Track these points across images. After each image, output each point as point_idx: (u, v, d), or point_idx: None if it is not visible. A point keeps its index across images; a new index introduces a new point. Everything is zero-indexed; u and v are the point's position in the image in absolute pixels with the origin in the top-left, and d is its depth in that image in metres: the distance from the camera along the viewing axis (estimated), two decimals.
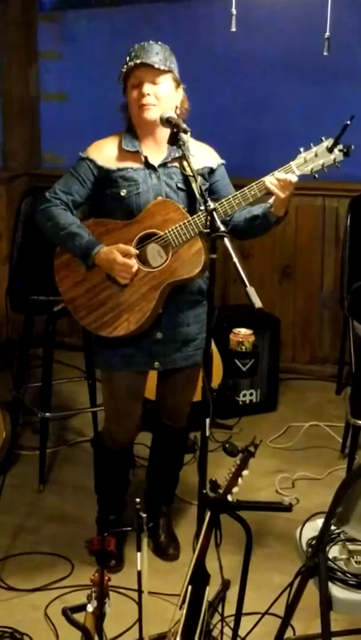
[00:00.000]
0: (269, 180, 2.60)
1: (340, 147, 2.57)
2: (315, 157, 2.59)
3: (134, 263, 2.72)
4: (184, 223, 2.65)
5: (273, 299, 4.81)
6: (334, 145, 2.56)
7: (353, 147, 2.57)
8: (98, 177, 2.81)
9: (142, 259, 2.75)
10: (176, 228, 2.66)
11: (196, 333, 2.90)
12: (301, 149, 2.60)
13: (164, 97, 2.72)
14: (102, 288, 2.80)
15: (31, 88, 5.21)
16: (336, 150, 2.57)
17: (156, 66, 2.67)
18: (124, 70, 2.71)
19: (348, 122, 2.48)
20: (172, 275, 2.71)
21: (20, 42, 5.10)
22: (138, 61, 2.68)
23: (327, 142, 2.58)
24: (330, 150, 2.57)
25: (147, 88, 2.70)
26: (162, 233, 2.69)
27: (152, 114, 2.71)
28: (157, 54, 2.69)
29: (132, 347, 2.83)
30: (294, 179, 2.59)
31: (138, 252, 2.73)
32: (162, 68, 2.68)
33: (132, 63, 2.69)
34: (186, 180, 2.77)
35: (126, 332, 2.77)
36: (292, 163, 2.61)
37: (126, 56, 2.73)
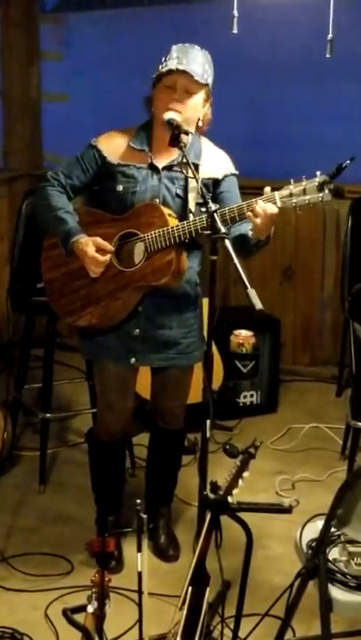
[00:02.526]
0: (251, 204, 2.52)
1: (332, 186, 2.43)
2: (302, 193, 2.47)
3: (105, 260, 2.74)
4: (163, 230, 2.65)
5: (274, 300, 4.81)
6: (326, 184, 2.43)
7: (345, 189, 2.45)
8: (100, 167, 2.83)
9: (123, 255, 2.77)
10: (155, 233, 2.66)
11: (181, 338, 2.90)
12: (292, 180, 2.48)
13: (190, 108, 2.70)
14: (78, 276, 2.84)
15: (32, 88, 5.22)
16: (326, 189, 2.44)
17: (196, 78, 2.65)
18: (163, 70, 2.66)
19: (347, 162, 2.37)
20: (141, 279, 2.74)
21: (21, 42, 5.10)
22: (181, 67, 2.64)
23: (319, 179, 2.44)
24: (320, 188, 2.45)
25: (178, 94, 2.68)
26: (142, 235, 2.70)
27: (173, 115, 2.66)
28: (200, 65, 2.67)
29: (111, 338, 2.86)
30: (274, 210, 2.50)
31: (114, 249, 2.75)
32: (201, 82, 2.66)
33: (174, 66, 2.65)
34: (187, 188, 2.76)
35: (88, 324, 2.84)
36: (276, 193, 2.50)
37: (166, 53, 2.69)
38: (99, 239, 2.75)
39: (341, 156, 2.46)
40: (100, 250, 2.74)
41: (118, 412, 2.99)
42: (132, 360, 2.88)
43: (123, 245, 2.77)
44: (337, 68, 4.16)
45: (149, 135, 2.82)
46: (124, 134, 2.85)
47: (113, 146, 2.82)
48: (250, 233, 2.65)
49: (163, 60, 2.70)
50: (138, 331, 2.84)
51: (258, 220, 2.51)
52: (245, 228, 2.69)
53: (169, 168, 2.79)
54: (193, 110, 2.72)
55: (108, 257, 2.75)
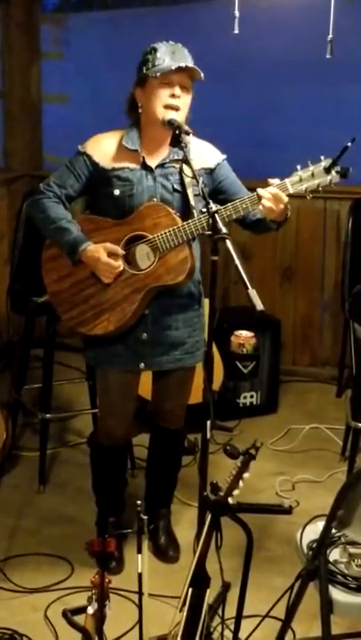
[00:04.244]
0: (262, 193, 2.57)
1: (338, 168, 2.51)
2: (311, 177, 2.53)
3: (119, 264, 2.72)
4: (173, 229, 2.65)
5: (274, 301, 4.81)
6: (332, 166, 2.50)
7: (351, 169, 2.50)
8: (93, 173, 2.81)
9: (130, 259, 2.76)
10: (165, 233, 2.66)
11: (186, 337, 2.90)
12: (298, 167, 2.54)
13: (186, 105, 2.71)
14: (87, 285, 2.81)
15: (33, 89, 5.21)
16: (333, 171, 2.51)
17: (202, 75, 2.65)
18: (167, 67, 2.62)
19: (349, 144, 2.41)
20: (155, 280, 2.72)
21: (22, 43, 5.10)
22: (183, 65, 2.63)
23: (325, 162, 2.51)
24: (327, 171, 2.51)
25: (178, 91, 2.67)
26: (151, 236, 2.69)
27: (174, 116, 2.67)
28: (191, 61, 2.67)
29: (119, 345, 2.84)
30: (285, 199, 2.58)
31: (125, 252, 2.74)
32: (202, 77, 2.67)
33: (176, 64, 2.62)
34: (183, 181, 2.76)
35: (105, 331, 2.80)
36: (286, 180, 2.56)
37: (153, 51, 2.67)
38: (108, 244, 2.73)
39: (342, 157, 2.47)
40: (110, 254, 2.73)
41: (121, 417, 2.98)
42: (142, 365, 2.87)
43: (129, 249, 2.76)
44: (337, 68, 4.16)
45: (139, 135, 2.81)
46: (111, 136, 2.82)
47: (103, 150, 2.80)
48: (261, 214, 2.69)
49: (151, 58, 2.67)
50: (146, 334, 2.83)
51: (269, 204, 2.56)
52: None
53: (161, 165, 2.79)
54: (186, 106, 2.72)
55: (120, 261, 2.74)
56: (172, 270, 2.70)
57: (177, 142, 2.60)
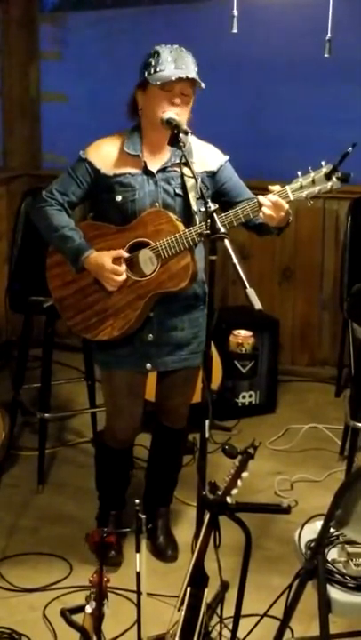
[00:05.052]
0: (262, 201, 2.58)
1: (339, 174, 2.50)
2: (311, 184, 2.53)
3: (123, 271, 2.72)
4: (175, 236, 2.65)
5: (273, 300, 4.81)
6: (333, 172, 2.50)
7: (352, 174, 2.51)
8: (94, 180, 2.81)
9: (133, 264, 2.76)
10: (167, 240, 2.66)
11: (192, 338, 2.90)
12: (299, 173, 2.54)
13: (186, 112, 2.71)
14: (91, 291, 2.81)
15: (32, 88, 5.22)
16: (334, 177, 2.51)
17: (203, 86, 2.65)
18: (173, 78, 2.60)
19: (350, 149, 2.41)
20: (158, 286, 2.72)
21: (20, 42, 5.10)
22: (183, 76, 2.61)
23: (326, 169, 2.51)
24: (328, 177, 2.51)
25: (178, 100, 2.66)
26: (153, 243, 2.69)
27: (172, 115, 2.65)
28: (194, 68, 2.66)
29: (125, 347, 2.85)
30: (285, 206, 2.58)
31: (127, 254, 2.73)
32: (202, 86, 2.66)
33: (183, 74, 2.60)
34: (185, 185, 2.76)
35: (109, 337, 2.81)
36: (287, 187, 2.56)
37: (156, 55, 2.65)
38: (112, 251, 2.73)
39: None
40: (115, 260, 2.72)
41: (128, 419, 2.97)
42: (148, 365, 2.88)
43: (133, 254, 2.75)
44: (336, 68, 4.16)
45: (140, 139, 2.80)
46: (112, 141, 2.82)
47: (104, 156, 2.79)
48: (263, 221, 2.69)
49: (154, 62, 2.66)
50: (152, 336, 2.84)
51: (270, 212, 2.56)
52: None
53: (163, 170, 2.79)
54: (186, 112, 2.72)
55: (124, 266, 2.73)
56: (175, 277, 2.70)
57: (175, 142, 2.60)
